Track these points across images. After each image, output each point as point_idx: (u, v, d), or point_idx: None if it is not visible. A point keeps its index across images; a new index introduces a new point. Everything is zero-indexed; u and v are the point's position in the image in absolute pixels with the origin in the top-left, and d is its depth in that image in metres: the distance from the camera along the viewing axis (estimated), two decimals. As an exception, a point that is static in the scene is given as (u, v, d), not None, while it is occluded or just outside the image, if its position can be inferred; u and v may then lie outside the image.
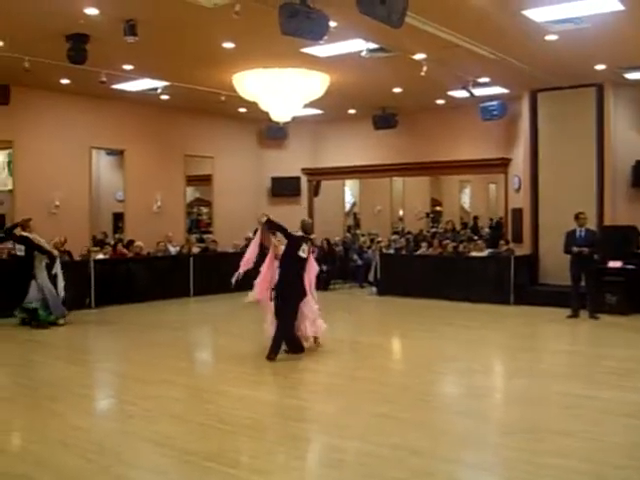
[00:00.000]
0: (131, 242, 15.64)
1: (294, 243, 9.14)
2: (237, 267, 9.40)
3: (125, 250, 15.49)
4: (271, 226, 9.26)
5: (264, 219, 9.24)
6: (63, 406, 6.90)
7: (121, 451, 5.54)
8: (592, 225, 13.27)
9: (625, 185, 14.28)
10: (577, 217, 12.57)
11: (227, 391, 7.48)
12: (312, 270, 9.60)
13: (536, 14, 9.52)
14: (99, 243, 16.12)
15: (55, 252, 12.05)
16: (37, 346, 10.32)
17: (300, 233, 9.31)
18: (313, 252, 9.75)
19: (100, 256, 14.71)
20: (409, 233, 20.14)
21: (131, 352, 9.83)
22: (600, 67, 12.69)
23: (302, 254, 9.16)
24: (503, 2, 9.04)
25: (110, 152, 17.28)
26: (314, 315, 9.40)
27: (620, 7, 9.13)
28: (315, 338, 9.51)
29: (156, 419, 6.41)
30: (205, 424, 6.23)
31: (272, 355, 8.84)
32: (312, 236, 9.92)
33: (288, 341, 9.10)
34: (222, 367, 8.95)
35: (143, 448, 5.65)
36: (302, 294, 9.19)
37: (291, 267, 9.15)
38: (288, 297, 9.10)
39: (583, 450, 5.48)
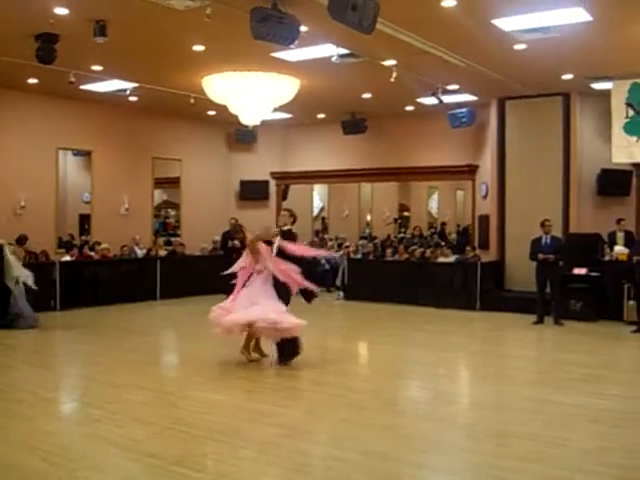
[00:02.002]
0: (95, 244, 15.52)
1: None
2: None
3: (91, 253, 15.35)
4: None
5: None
6: (29, 409, 6.83)
7: (87, 455, 5.49)
8: (558, 232, 13.45)
9: (590, 193, 14.49)
10: (543, 224, 12.72)
11: (194, 395, 7.45)
12: None
13: (505, 23, 9.63)
14: (65, 245, 15.96)
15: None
16: (2, 349, 10.18)
17: None
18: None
19: (66, 258, 14.57)
20: (375, 238, 20.18)
21: (97, 355, 9.73)
22: (567, 77, 12.86)
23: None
24: (473, 11, 9.13)
25: (77, 153, 17.10)
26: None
27: (588, 18, 9.27)
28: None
29: (122, 423, 6.35)
30: (172, 428, 6.18)
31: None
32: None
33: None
34: (189, 371, 8.88)
35: (109, 452, 5.60)
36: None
37: None
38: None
39: (550, 455, 5.53)
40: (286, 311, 8.71)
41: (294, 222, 9.30)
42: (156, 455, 5.44)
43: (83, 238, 16.77)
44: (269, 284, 8.80)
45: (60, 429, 6.35)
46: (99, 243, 15.52)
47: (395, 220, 22.29)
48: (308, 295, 9.14)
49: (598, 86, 13.35)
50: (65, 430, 6.36)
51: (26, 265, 12.19)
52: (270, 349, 9.08)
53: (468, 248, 15.77)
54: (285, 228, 9.14)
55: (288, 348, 8.84)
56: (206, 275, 15.49)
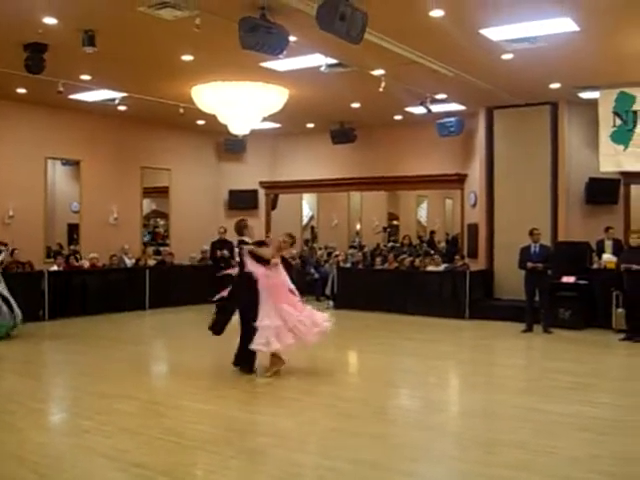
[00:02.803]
0: (76, 254, 15.53)
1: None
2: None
3: (76, 263, 15.26)
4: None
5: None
6: (17, 420, 6.78)
7: (76, 465, 5.47)
8: (546, 241, 13.49)
9: (579, 202, 14.56)
10: (531, 233, 12.78)
11: (183, 405, 7.43)
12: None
13: (493, 33, 9.69)
14: (54, 254, 15.91)
15: None
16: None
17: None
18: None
19: (54, 267, 14.53)
20: (364, 247, 20.19)
21: (87, 366, 9.70)
22: (555, 86, 12.94)
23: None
24: (461, 21, 9.18)
25: (66, 162, 17.07)
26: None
27: (575, 27, 9.34)
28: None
29: (111, 433, 6.33)
30: (161, 438, 6.16)
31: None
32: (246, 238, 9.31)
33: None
34: (179, 381, 8.86)
35: (98, 462, 5.57)
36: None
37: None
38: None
39: (539, 463, 5.55)
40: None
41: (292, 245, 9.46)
42: (145, 465, 5.42)
43: (72, 248, 16.72)
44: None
45: (50, 440, 6.32)
46: (77, 252, 15.51)
47: (384, 229, 22.34)
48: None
49: (585, 95, 13.44)
50: (55, 441, 6.33)
51: (14, 275, 12.12)
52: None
53: (457, 257, 15.79)
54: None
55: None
56: (195, 285, 15.50)
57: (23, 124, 14.94)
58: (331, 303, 16.32)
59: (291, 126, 17.73)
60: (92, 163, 16.36)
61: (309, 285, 17.97)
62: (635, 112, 12.74)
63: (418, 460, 5.76)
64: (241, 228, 9.32)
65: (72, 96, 13.86)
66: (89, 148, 16.27)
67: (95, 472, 5.40)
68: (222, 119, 13.61)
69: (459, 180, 16.76)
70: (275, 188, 19.91)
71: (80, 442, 6.13)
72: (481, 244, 15.49)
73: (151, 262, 16.75)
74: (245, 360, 8.93)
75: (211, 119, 14.40)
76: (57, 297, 13.76)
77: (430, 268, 15.74)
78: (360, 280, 16.17)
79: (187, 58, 11.24)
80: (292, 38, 9.15)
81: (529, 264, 12.57)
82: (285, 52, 8.93)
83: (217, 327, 9.17)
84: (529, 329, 12.57)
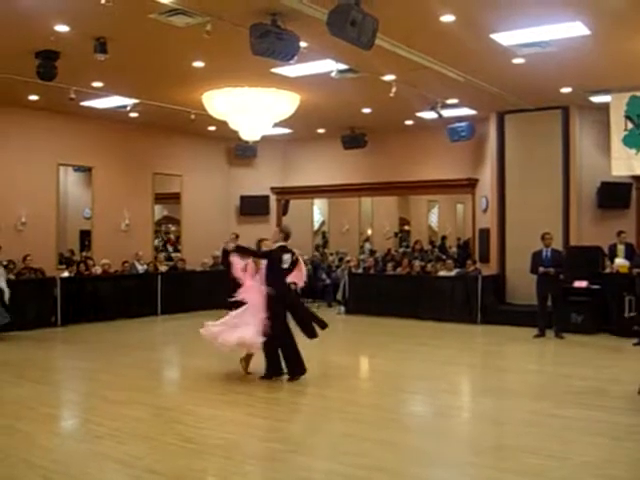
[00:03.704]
0: (88, 260, 15.57)
1: (275, 256, 9.01)
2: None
3: (86, 272, 15.20)
4: (242, 252, 9.22)
5: (231, 246, 9.22)
6: (28, 425, 6.80)
7: (87, 472, 5.48)
8: (558, 245, 13.46)
9: (591, 206, 14.51)
10: (543, 237, 12.75)
11: (195, 411, 7.43)
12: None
13: (504, 38, 9.67)
14: (66, 261, 15.97)
15: None
16: (2, 364, 10.17)
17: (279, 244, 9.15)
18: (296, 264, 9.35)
19: (66, 274, 14.58)
20: (375, 252, 20.17)
21: (98, 371, 9.73)
22: (566, 90, 12.90)
23: (285, 265, 9.03)
24: (471, 26, 9.17)
25: (78, 169, 17.14)
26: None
27: (586, 31, 9.31)
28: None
29: (123, 439, 6.34)
30: (173, 444, 6.17)
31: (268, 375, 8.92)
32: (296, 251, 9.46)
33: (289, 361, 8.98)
34: (190, 386, 8.87)
35: (110, 468, 5.59)
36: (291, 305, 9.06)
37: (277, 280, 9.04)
38: (278, 313, 8.91)
39: (552, 468, 5.52)
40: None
41: (287, 238, 9.32)
42: (157, 471, 5.43)
43: (83, 254, 16.79)
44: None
45: (60, 446, 6.33)
46: (90, 258, 15.57)
47: (395, 234, 22.32)
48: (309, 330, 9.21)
49: (597, 99, 13.40)
50: (66, 447, 6.34)
51: (27, 281, 12.18)
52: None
53: (469, 262, 15.76)
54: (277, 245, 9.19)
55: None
56: (207, 290, 15.54)
57: (35, 131, 15.01)
58: (342, 308, 16.31)
59: (302, 132, 17.75)
60: (104, 169, 16.43)
61: (321, 291, 18.00)
62: (647, 116, 12.68)
63: (430, 466, 5.75)
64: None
65: (84, 103, 13.92)
66: (101, 155, 16.33)
67: (107, 478, 5.41)
68: (233, 125, 13.62)
69: (470, 185, 16.73)
70: (286, 194, 19.94)
71: (92, 448, 6.14)
72: (493, 249, 15.45)
73: (163, 268, 16.79)
74: (274, 368, 8.97)
75: (222, 125, 14.42)
76: (70, 303, 13.80)
77: (442, 273, 15.72)
78: (372, 285, 16.16)
79: (198, 64, 11.28)
80: (303, 44, 9.15)
81: (541, 269, 12.54)
82: (296, 58, 8.94)
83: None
84: (541, 334, 12.52)
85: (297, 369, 8.90)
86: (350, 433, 6.57)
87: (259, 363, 9.12)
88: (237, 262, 9.15)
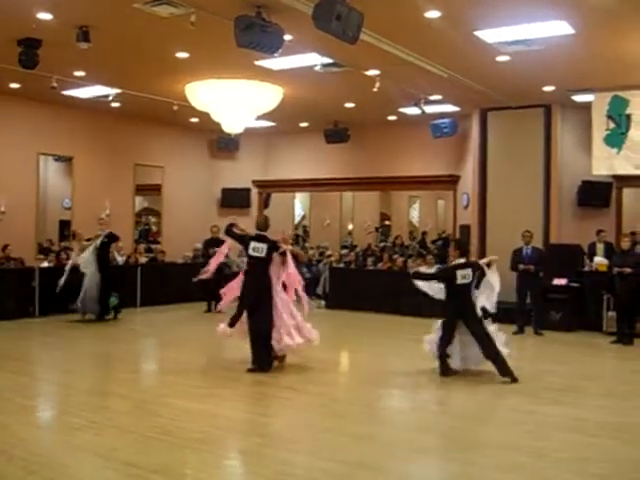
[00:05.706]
0: (66, 250, 15.41)
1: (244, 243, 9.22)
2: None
3: (66, 261, 15.08)
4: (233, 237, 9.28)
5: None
6: (6, 417, 6.74)
7: (65, 463, 5.45)
8: (538, 243, 13.53)
9: (571, 204, 14.59)
10: (523, 235, 12.83)
11: (174, 403, 7.40)
12: (291, 278, 9.47)
13: (488, 35, 9.70)
14: (45, 251, 15.84)
15: None
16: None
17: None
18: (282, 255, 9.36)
19: (45, 264, 14.46)
20: (356, 247, 20.17)
21: (77, 363, 9.68)
22: (549, 88, 12.96)
23: (253, 253, 9.08)
24: (456, 22, 9.18)
25: (58, 158, 17.00)
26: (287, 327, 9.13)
27: (570, 31, 9.35)
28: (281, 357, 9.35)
29: (101, 431, 6.31)
30: (151, 437, 6.14)
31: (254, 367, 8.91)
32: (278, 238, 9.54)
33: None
34: (169, 379, 8.84)
35: (87, 460, 5.56)
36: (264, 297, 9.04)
37: (249, 269, 9.21)
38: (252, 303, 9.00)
39: (530, 465, 5.56)
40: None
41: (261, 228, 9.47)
42: (135, 464, 5.40)
43: (62, 244, 16.65)
44: None
45: (39, 437, 6.30)
46: (69, 249, 15.40)
47: (376, 229, 22.34)
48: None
49: (579, 98, 13.47)
50: (44, 438, 6.31)
51: (6, 271, 12.08)
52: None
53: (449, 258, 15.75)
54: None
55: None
56: (187, 283, 15.45)
57: (16, 119, 14.86)
58: (322, 303, 16.30)
59: (285, 125, 17.71)
60: (85, 159, 16.29)
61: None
62: (628, 115, 12.76)
63: (410, 461, 5.76)
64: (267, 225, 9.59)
65: (66, 92, 13.81)
66: (82, 144, 16.20)
67: (86, 470, 5.38)
68: (215, 117, 13.58)
69: (452, 181, 16.76)
70: (268, 187, 19.90)
71: (70, 440, 6.11)
72: (473, 245, 15.48)
73: (142, 260, 16.70)
74: (266, 360, 9.00)
75: (205, 117, 14.38)
76: (48, 293, 13.68)
77: (422, 269, 15.70)
78: (352, 280, 16.16)
79: (182, 55, 11.22)
80: (287, 37, 9.14)
81: (521, 266, 12.62)
82: (280, 51, 8.92)
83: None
84: (520, 331, 12.59)
85: (263, 364, 8.96)
86: (330, 428, 6.58)
87: (246, 355, 9.10)
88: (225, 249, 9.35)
